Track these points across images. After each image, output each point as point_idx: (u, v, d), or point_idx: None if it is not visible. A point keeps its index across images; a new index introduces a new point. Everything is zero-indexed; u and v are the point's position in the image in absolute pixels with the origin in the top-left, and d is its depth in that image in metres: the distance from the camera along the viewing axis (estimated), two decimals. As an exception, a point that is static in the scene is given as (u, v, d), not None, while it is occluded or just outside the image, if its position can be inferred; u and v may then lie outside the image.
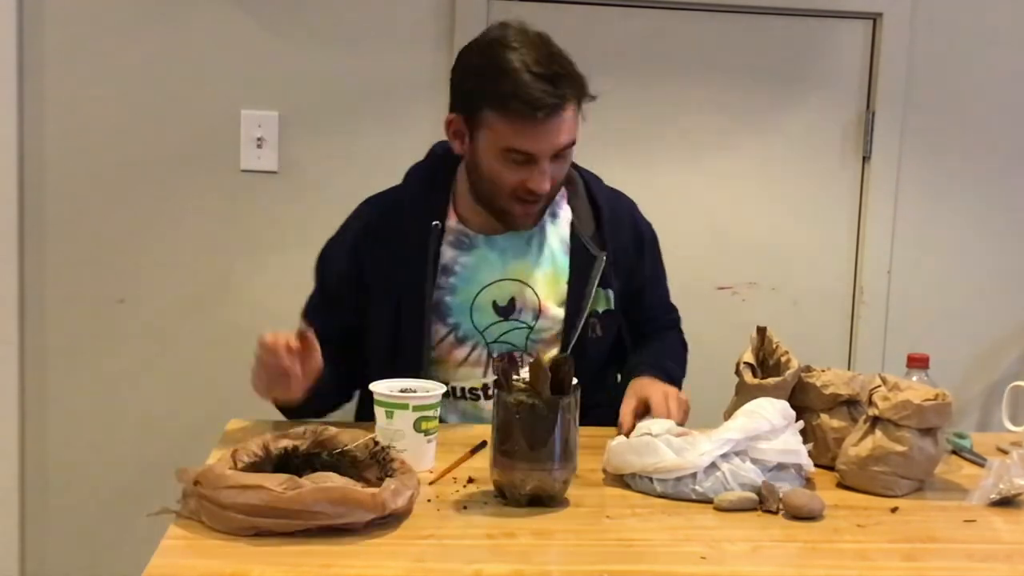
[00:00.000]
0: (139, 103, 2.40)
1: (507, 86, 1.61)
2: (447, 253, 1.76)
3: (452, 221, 1.78)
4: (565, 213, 1.81)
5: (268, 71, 2.42)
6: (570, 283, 1.77)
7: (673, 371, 1.84)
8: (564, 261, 1.78)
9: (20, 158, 2.37)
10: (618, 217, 1.84)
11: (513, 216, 1.73)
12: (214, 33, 2.40)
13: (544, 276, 1.77)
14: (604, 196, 1.84)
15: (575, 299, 1.75)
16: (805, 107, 2.57)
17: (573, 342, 1.75)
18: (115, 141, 2.40)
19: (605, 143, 2.48)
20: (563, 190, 1.83)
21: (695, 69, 2.53)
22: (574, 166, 1.85)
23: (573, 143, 1.69)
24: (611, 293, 1.80)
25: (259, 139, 2.42)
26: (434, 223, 1.75)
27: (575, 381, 1.38)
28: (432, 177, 1.81)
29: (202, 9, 2.39)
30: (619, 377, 1.89)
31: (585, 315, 1.76)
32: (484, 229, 1.78)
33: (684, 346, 1.98)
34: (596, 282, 1.75)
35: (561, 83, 1.62)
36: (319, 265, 1.86)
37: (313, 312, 1.82)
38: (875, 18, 2.55)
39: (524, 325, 1.77)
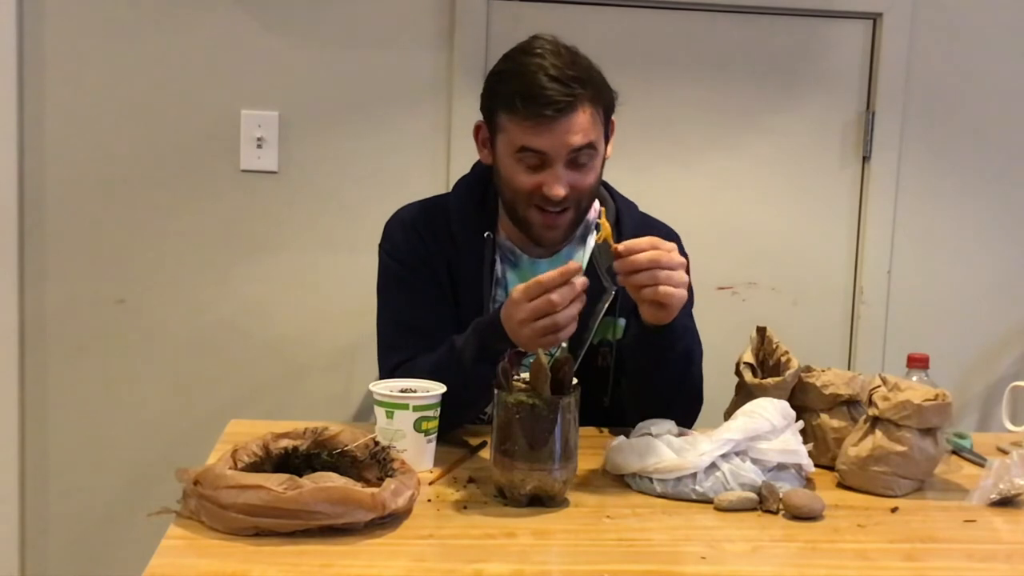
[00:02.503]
0: (139, 103, 2.40)
1: (520, 86, 1.61)
2: (498, 266, 1.76)
3: (501, 236, 1.77)
4: (591, 241, 1.79)
5: (268, 71, 2.42)
6: None
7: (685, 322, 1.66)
8: None
9: (20, 158, 2.37)
10: None
11: (534, 226, 1.70)
12: (214, 33, 2.40)
13: None
14: (632, 226, 1.79)
15: (579, 329, 1.60)
16: (805, 107, 2.57)
17: (575, 369, 1.69)
18: (115, 141, 2.40)
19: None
20: (593, 216, 1.79)
21: (695, 69, 2.53)
22: (612, 194, 1.83)
23: (592, 149, 1.64)
24: (622, 322, 1.75)
25: (259, 139, 2.42)
26: (486, 234, 1.74)
27: (575, 381, 1.38)
28: (480, 190, 1.79)
29: (202, 9, 2.39)
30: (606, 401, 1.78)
31: (586, 346, 1.71)
32: (528, 251, 1.77)
33: (696, 363, 1.77)
34: (601, 314, 1.69)
35: (575, 84, 1.60)
36: (397, 268, 1.78)
37: (416, 314, 1.73)
38: (875, 18, 2.55)
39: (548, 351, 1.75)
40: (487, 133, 1.71)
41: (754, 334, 1.69)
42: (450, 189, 1.90)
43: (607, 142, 1.72)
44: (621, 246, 1.49)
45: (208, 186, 2.43)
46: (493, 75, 1.69)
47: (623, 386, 1.75)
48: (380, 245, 1.83)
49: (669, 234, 1.86)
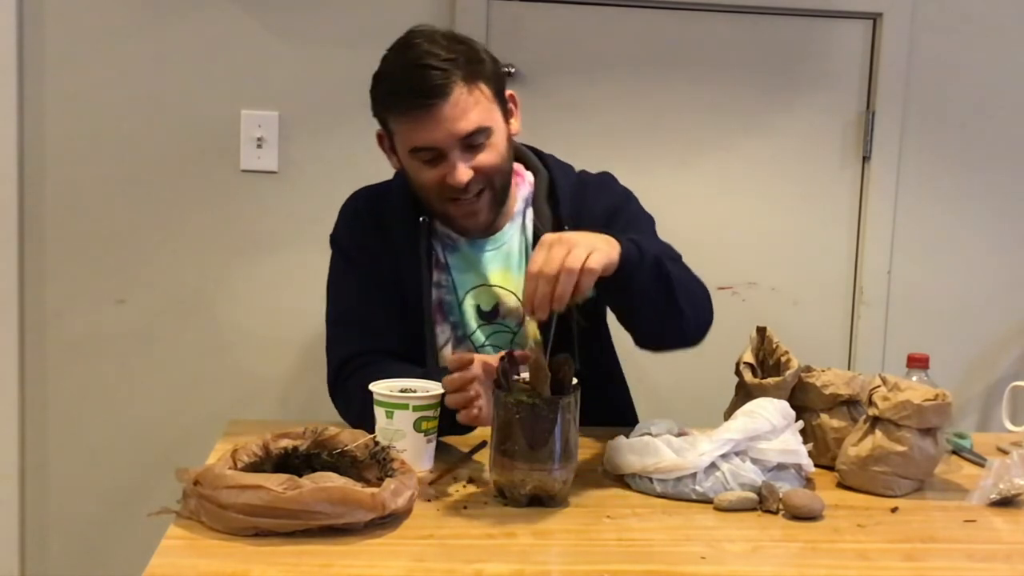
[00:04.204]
0: (139, 103, 2.40)
1: (393, 85, 1.59)
2: (439, 250, 1.74)
3: (437, 222, 1.74)
4: (529, 215, 1.75)
5: (268, 71, 2.42)
6: None
7: (643, 241, 1.51)
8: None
9: (20, 158, 2.37)
10: (579, 205, 1.73)
11: (455, 219, 1.69)
12: (214, 33, 2.40)
13: (521, 282, 1.68)
14: (566, 188, 1.75)
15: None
16: (805, 107, 2.57)
17: (551, 340, 1.57)
18: (115, 141, 2.40)
19: (605, 143, 2.48)
20: (528, 191, 1.76)
21: (695, 69, 2.53)
22: (545, 161, 1.79)
23: (482, 131, 1.59)
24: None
25: (259, 139, 2.42)
26: (421, 218, 1.72)
27: (575, 381, 1.38)
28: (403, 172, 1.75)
29: (202, 9, 2.39)
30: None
31: (555, 315, 1.61)
32: (465, 234, 1.74)
33: (692, 276, 1.66)
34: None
35: (447, 66, 1.55)
36: (340, 259, 1.78)
37: (357, 308, 1.72)
38: (875, 18, 2.55)
39: (507, 329, 1.74)
40: (388, 139, 1.68)
41: (754, 334, 1.69)
42: None
43: (508, 116, 1.67)
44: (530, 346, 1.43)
45: (208, 186, 2.43)
46: (373, 80, 1.65)
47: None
48: (332, 232, 1.82)
49: (604, 180, 1.81)
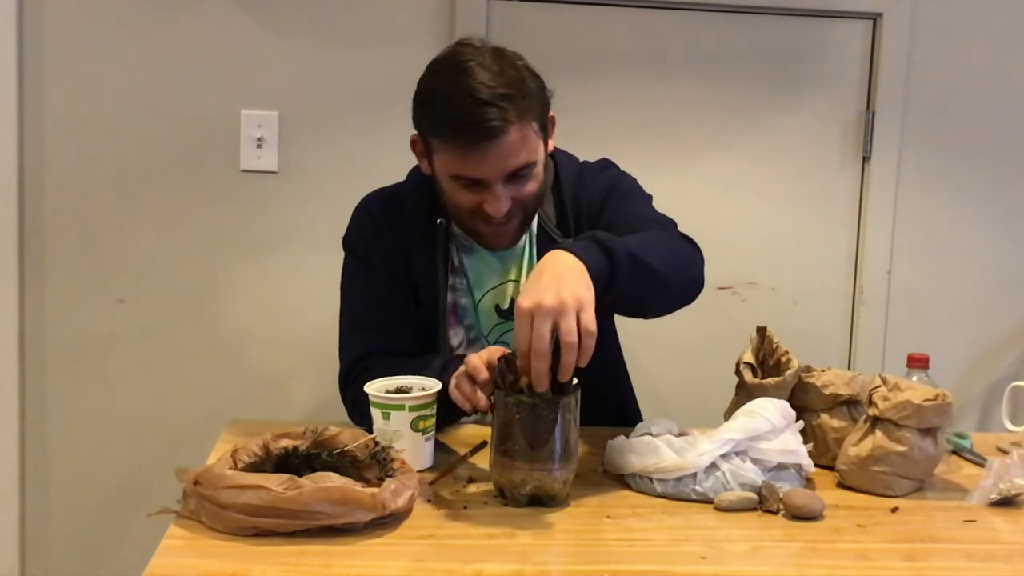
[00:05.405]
0: (139, 103, 2.40)
1: (447, 113, 1.55)
2: (454, 254, 1.75)
3: (454, 225, 1.74)
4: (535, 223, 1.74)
5: (268, 71, 2.42)
6: None
7: (611, 241, 1.45)
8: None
9: (20, 158, 2.37)
10: (578, 191, 1.74)
11: (482, 236, 1.69)
12: (214, 33, 2.40)
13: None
14: (569, 177, 1.75)
15: None
16: (805, 107, 2.57)
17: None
18: (115, 141, 2.40)
19: (604, 143, 2.47)
20: None
21: (695, 69, 2.53)
22: (552, 154, 1.76)
23: (530, 164, 1.59)
24: None
25: (259, 139, 2.42)
26: (439, 220, 1.72)
27: (575, 381, 1.38)
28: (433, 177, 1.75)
29: (202, 9, 2.39)
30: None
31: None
32: (481, 242, 1.74)
33: (671, 236, 1.65)
34: None
35: (505, 104, 1.51)
36: (353, 262, 1.78)
37: (370, 311, 1.73)
38: (875, 18, 2.55)
39: None
40: (423, 147, 1.66)
41: (754, 334, 1.69)
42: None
43: (547, 138, 1.66)
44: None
45: (208, 186, 2.43)
46: (421, 93, 1.61)
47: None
48: (344, 236, 1.81)
49: (602, 165, 1.81)
